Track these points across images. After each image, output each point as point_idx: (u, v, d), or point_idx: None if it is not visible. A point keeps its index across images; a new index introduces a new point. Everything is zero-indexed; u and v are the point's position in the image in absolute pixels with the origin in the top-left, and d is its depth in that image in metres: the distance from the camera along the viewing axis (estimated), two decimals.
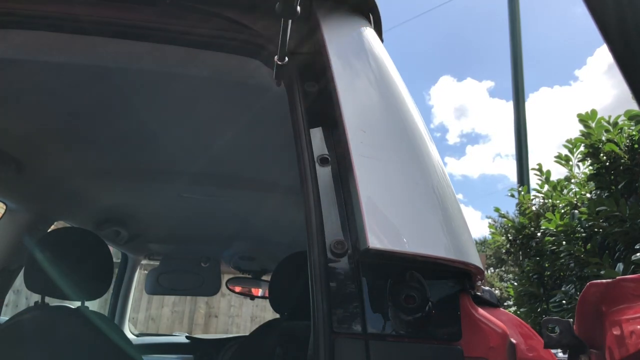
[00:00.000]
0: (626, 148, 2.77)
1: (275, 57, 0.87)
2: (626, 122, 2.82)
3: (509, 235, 3.92)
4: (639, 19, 0.50)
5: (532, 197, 3.78)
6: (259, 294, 3.25)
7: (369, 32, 0.92)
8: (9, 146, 1.66)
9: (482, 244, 15.73)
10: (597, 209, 2.67)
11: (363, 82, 0.84)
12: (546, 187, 3.64)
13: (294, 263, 1.88)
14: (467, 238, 0.73)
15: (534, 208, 3.68)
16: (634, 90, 0.51)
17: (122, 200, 2.27)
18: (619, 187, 2.77)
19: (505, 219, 4.14)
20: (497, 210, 4.32)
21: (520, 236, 3.70)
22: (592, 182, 3.09)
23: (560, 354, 1.12)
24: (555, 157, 3.38)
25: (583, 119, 3.00)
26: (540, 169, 3.66)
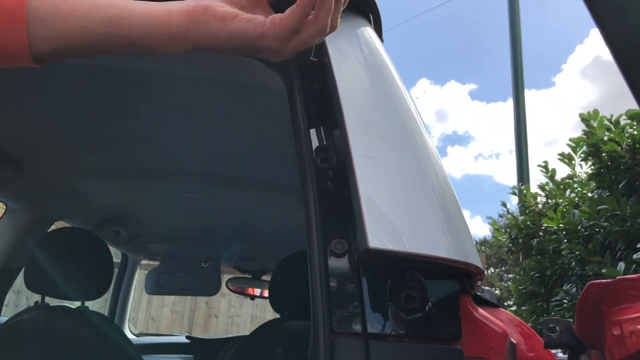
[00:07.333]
0: (627, 147, 2.77)
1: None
2: (628, 122, 2.81)
3: (511, 234, 3.92)
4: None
5: (535, 195, 3.78)
6: (259, 294, 3.25)
7: (368, 32, 0.92)
8: (9, 146, 1.66)
9: (482, 244, 15.75)
10: (597, 208, 2.67)
11: (363, 82, 0.83)
12: (549, 185, 3.65)
13: (294, 263, 1.87)
14: (467, 238, 0.73)
15: (539, 207, 3.68)
16: (634, 90, 0.51)
17: (122, 200, 2.27)
18: (620, 186, 2.77)
19: (508, 217, 4.15)
20: (503, 204, 4.32)
21: (522, 235, 3.70)
22: (593, 182, 3.09)
23: (560, 354, 1.12)
24: (559, 154, 3.38)
25: (585, 119, 3.00)
26: (546, 167, 3.66)
